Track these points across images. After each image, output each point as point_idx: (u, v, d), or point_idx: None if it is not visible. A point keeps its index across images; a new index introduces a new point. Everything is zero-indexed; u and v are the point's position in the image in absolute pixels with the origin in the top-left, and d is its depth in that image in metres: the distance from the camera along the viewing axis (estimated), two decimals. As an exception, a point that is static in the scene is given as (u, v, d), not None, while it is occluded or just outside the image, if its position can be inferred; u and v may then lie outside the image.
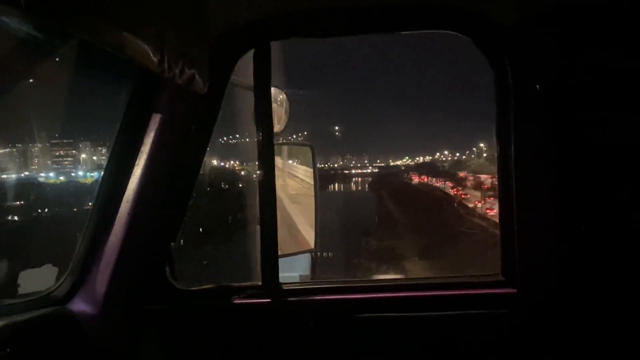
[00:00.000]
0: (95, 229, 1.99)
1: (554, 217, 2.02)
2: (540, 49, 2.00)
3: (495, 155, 2.09)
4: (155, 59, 1.46)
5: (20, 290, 2.16)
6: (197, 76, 1.73)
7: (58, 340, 1.87)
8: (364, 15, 2.08)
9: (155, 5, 1.51)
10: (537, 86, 1.96)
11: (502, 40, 2.01)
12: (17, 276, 2.24)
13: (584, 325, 2.00)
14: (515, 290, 2.06)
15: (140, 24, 1.40)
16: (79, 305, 1.99)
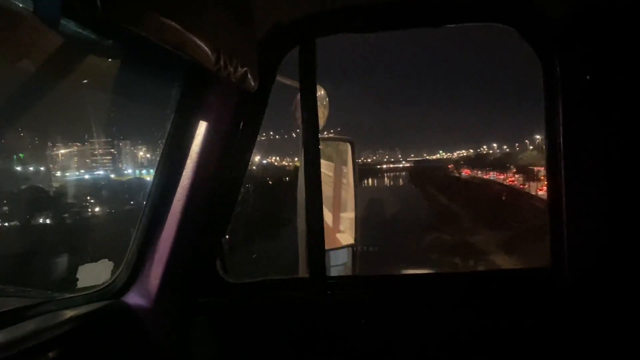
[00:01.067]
0: (148, 224, 2.04)
1: (604, 208, 2.00)
2: (588, 40, 1.98)
3: (544, 146, 2.08)
4: (212, 58, 1.49)
5: (79, 284, 2.23)
6: (248, 74, 1.76)
7: (114, 333, 1.92)
8: (410, 9, 2.08)
9: (210, 5, 1.55)
10: (587, 77, 1.94)
11: (550, 32, 2.00)
12: (76, 270, 2.31)
13: (634, 314, 1.98)
14: (565, 280, 2.05)
15: (199, 24, 1.43)
16: (134, 299, 2.04)
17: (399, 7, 2.09)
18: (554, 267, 2.08)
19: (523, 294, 2.11)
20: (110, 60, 1.93)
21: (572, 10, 1.95)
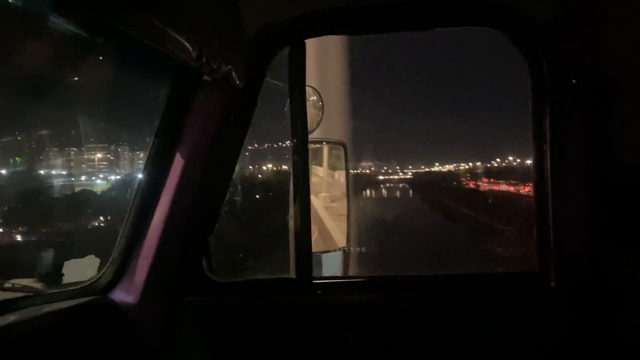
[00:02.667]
0: (135, 222, 2.05)
1: (591, 212, 2.00)
2: (575, 43, 1.98)
3: (532, 150, 2.08)
4: (194, 54, 1.51)
5: (65, 280, 2.24)
6: (233, 72, 1.77)
7: (99, 328, 1.93)
8: (399, 11, 2.09)
9: (194, 1, 1.56)
10: (574, 81, 1.95)
11: (538, 35, 2.00)
12: (61, 266, 2.32)
13: (621, 320, 1.97)
14: (550, 286, 2.04)
15: (181, 19, 1.44)
16: (120, 295, 2.05)
17: (389, 9, 2.11)
18: (541, 272, 2.08)
19: (509, 297, 2.11)
20: (100, 59, 1.96)
21: (558, 14, 1.96)
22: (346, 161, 3.20)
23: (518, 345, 2.06)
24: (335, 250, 3.45)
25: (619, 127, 1.97)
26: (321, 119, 3.24)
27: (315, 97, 3.08)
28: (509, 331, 2.06)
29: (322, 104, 3.22)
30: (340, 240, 3.22)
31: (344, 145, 3.23)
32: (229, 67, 1.72)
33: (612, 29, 1.93)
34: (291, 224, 2.35)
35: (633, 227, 1.94)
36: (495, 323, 2.07)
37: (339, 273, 3.71)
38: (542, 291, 2.08)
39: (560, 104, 1.99)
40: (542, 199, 2.05)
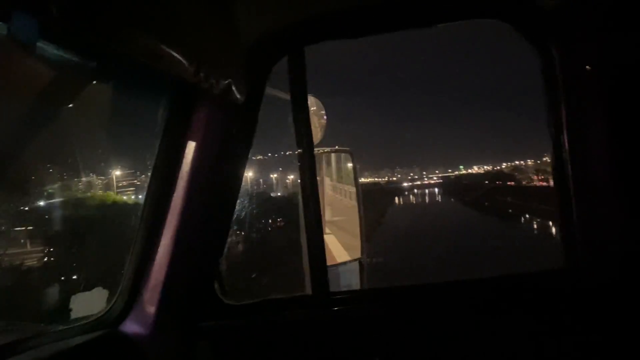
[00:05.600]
0: (142, 249, 1.98)
1: (614, 202, 1.91)
2: (585, 29, 1.91)
3: (550, 142, 2.00)
4: (191, 70, 1.44)
5: (73, 315, 2.16)
6: (233, 86, 1.70)
7: None
8: (399, 9, 2.03)
9: (189, 16, 1.50)
10: (587, 68, 1.87)
11: (546, 24, 1.93)
12: (69, 300, 2.24)
13: None
14: (578, 279, 1.96)
15: (175, 35, 1.38)
16: (131, 327, 1.97)
17: (389, 8, 2.04)
18: (570, 269, 2.00)
19: (539, 297, 2.02)
20: (95, 83, 1.89)
21: (566, 2, 1.89)
22: (354, 170, 3.13)
23: (551, 346, 1.97)
24: (348, 262, 3.37)
25: (637, 109, 1.88)
26: (326, 128, 3.18)
27: (314, 108, 3.02)
28: (541, 332, 1.97)
29: (324, 113, 3.17)
30: (341, 255, 3.16)
31: (350, 152, 3.15)
32: (228, 80, 1.66)
33: (621, 12, 1.86)
34: (303, 237, 2.28)
35: None
36: (528, 325, 1.98)
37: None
38: (572, 289, 1.99)
39: (574, 94, 1.91)
40: (564, 192, 1.96)
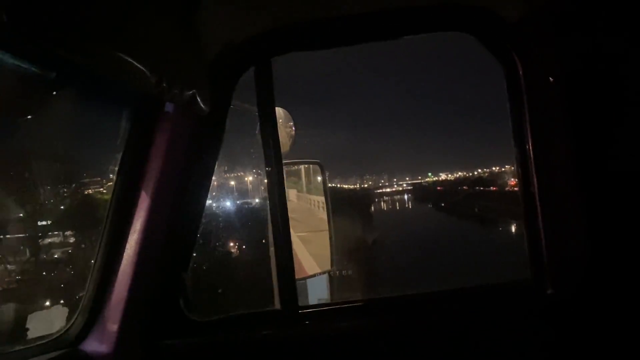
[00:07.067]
0: (104, 264, 1.91)
1: (580, 214, 1.93)
2: (549, 41, 1.94)
3: (514, 152, 2.01)
4: (153, 80, 1.40)
5: (30, 335, 2.07)
6: (197, 97, 1.67)
7: None
8: (365, 22, 2.02)
9: (150, 26, 1.46)
10: (550, 78, 1.89)
11: (510, 36, 1.95)
12: (25, 320, 2.15)
13: (617, 325, 1.90)
14: (545, 293, 1.96)
15: (135, 45, 1.34)
16: (93, 345, 1.90)
17: (354, 20, 2.03)
18: (535, 279, 2.00)
19: (505, 309, 2.02)
20: (54, 94, 1.83)
21: (529, 12, 1.92)
22: (324, 182, 3.10)
23: (517, 357, 1.97)
24: (318, 275, 3.34)
25: (602, 122, 1.91)
26: (294, 140, 3.16)
27: (282, 119, 3.00)
28: (507, 344, 1.97)
29: (293, 124, 3.15)
30: (313, 267, 3.12)
31: (319, 164, 3.13)
32: (192, 91, 1.62)
33: (584, 23, 1.89)
34: (272, 250, 2.24)
35: (627, 226, 1.88)
36: (493, 336, 1.98)
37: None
38: (538, 299, 1.99)
39: (538, 104, 1.94)
40: (530, 203, 1.98)
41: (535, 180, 1.95)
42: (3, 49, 1.35)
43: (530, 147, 1.94)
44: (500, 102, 2.03)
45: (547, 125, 1.94)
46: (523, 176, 1.99)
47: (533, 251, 1.99)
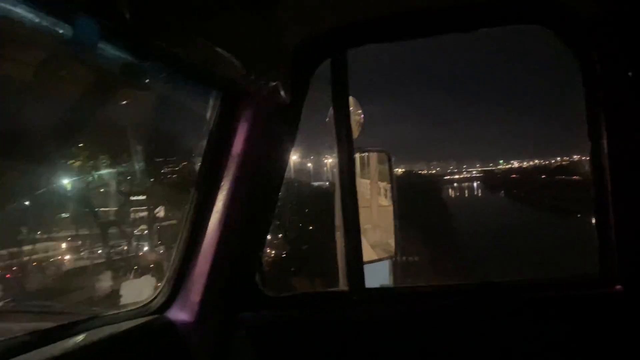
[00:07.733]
0: (188, 241, 2.07)
1: None
2: (625, 36, 1.91)
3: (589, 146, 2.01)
4: (243, 72, 1.52)
5: (122, 301, 2.27)
6: (280, 88, 1.78)
7: (157, 348, 1.95)
8: (441, 15, 2.06)
9: (238, 22, 1.57)
10: (630, 73, 1.87)
11: (587, 31, 1.94)
12: (119, 287, 2.36)
13: None
14: (614, 290, 1.96)
15: (227, 37, 1.46)
16: (176, 314, 2.07)
17: (430, 13, 2.07)
18: (603, 273, 2.00)
19: (571, 302, 2.03)
20: (147, 82, 1.99)
21: (606, 8, 1.90)
22: (390, 171, 3.17)
23: (583, 351, 1.98)
24: (383, 260, 3.42)
25: None
26: (362, 128, 3.23)
27: (352, 107, 3.07)
28: (571, 338, 1.98)
29: (361, 112, 3.22)
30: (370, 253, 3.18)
31: (388, 154, 3.19)
32: (276, 83, 1.73)
33: None
34: (337, 234, 2.34)
35: None
36: (558, 329, 2.00)
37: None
38: (605, 294, 1.99)
39: (614, 99, 1.92)
40: (601, 198, 1.97)
41: (608, 174, 1.94)
42: (111, 43, 1.50)
43: (605, 142, 1.93)
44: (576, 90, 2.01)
45: (622, 121, 1.92)
46: (596, 170, 1.99)
47: (603, 246, 1.99)
